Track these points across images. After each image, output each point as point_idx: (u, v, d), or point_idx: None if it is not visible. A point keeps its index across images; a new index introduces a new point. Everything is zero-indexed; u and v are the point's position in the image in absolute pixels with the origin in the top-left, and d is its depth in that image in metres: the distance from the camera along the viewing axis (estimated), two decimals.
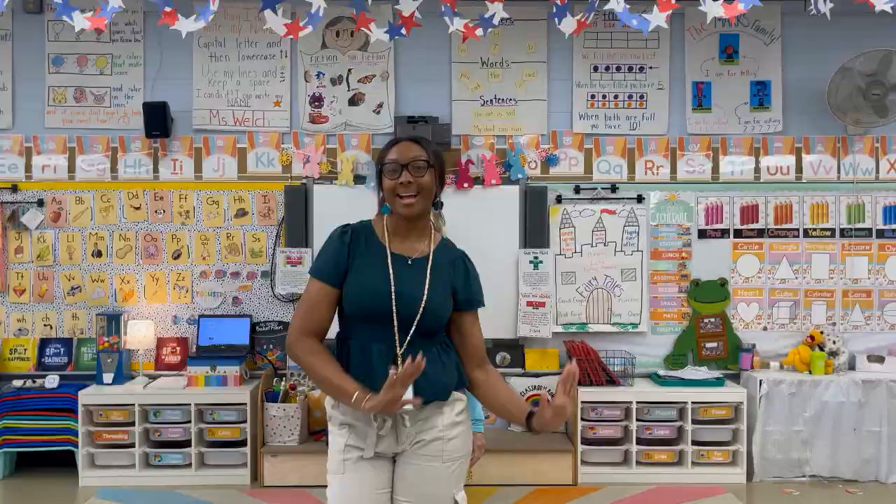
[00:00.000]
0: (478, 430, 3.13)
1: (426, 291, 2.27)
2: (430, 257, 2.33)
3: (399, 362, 2.19)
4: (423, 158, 2.26)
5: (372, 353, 2.26)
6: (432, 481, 2.29)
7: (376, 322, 2.25)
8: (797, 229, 5.41)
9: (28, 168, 5.39)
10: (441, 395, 2.29)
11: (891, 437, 4.96)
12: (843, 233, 5.41)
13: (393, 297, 2.24)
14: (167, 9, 3.19)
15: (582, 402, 4.96)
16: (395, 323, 2.24)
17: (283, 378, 5.12)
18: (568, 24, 3.33)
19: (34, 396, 5.02)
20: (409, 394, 2.12)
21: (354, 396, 2.14)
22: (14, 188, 5.35)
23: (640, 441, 4.98)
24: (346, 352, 2.32)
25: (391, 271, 2.27)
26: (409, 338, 2.25)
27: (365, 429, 2.27)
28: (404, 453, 2.30)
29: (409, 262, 2.31)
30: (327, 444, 4.83)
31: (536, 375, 5.29)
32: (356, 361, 2.28)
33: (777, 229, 5.40)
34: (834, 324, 5.38)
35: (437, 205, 2.38)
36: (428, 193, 2.29)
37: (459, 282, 2.36)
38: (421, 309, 2.25)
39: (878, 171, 5.42)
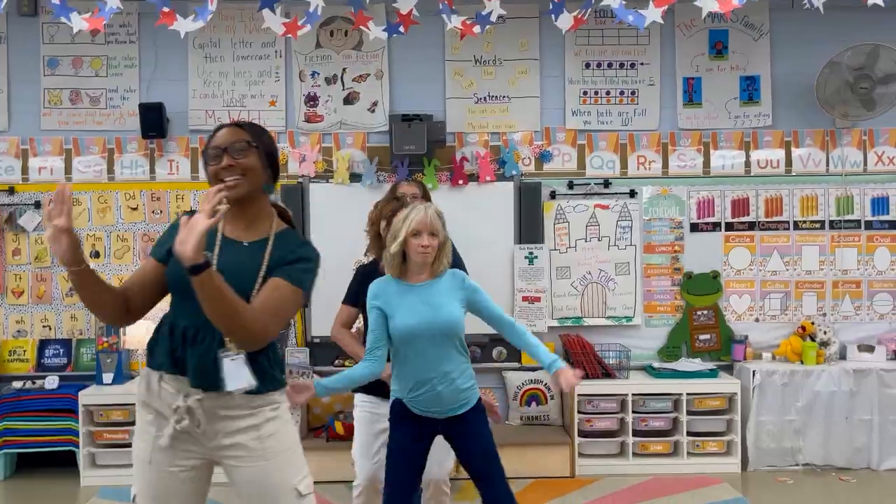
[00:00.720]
0: (559, 367, 2.91)
1: (245, 271, 2.14)
2: (261, 240, 2.21)
3: (229, 342, 2.08)
4: (244, 140, 2.17)
5: (176, 329, 2.15)
6: (263, 479, 2.16)
7: (187, 297, 2.06)
8: (787, 222, 5.41)
9: (24, 170, 5.33)
10: (256, 390, 2.13)
11: (882, 425, 4.98)
12: (833, 225, 5.42)
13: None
14: (165, 9, 3.16)
15: (578, 394, 4.95)
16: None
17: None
18: (564, 21, 3.31)
19: (34, 398, 4.98)
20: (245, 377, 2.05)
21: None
22: (11, 191, 5.29)
23: (635, 433, 4.99)
24: (159, 327, 2.21)
25: (216, 253, 2.16)
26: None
27: (164, 417, 2.15)
28: (222, 452, 2.17)
29: (246, 245, 2.20)
30: (326, 440, 4.85)
31: (533, 370, 5.27)
32: (162, 338, 2.17)
33: (768, 222, 5.40)
34: (824, 314, 5.38)
35: (267, 189, 2.25)
36: (253, 176, 2.17)
37: (284, 262, 2.19)
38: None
39: (865, 164, 5.43)
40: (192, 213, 2.06)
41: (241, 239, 2.22)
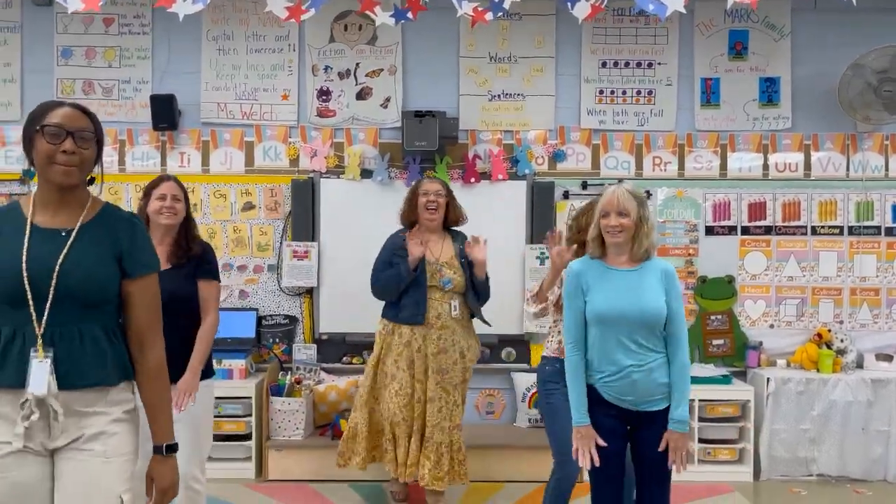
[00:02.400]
0: (678, 430, 2.75)
1: (61, 261, 1.94)
2: (79, 227, 2.00)
3: (39, 343, 1.90)
4: (90, 130, 1.99)
5: (3, 334, 1.93)
6: (94, 478, 1.97)
7: (11, 303, 1.92)
8: (805, 227, 5.17)
9: None
10: (102, 381, 1.98)
11: None
12: (852, 230, 5.17)
13: (25, 270, 1.91)
14: None
15: None
16: (31, 300, 1.91)
17: (289, 372, 4.90)
18: (581, 9, 3.10)
19: None
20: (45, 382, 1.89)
21: None
22: (23, 180, 5.13)
23: None
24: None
25: (25, 244, 1.94)
26: (45, 317, 1.92)
27: (11, 418, 1.93)
28: (62, 449, 1.97)
29: (63, 234, 1.98)
30: (332, 438, 4.67)
31: None
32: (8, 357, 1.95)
33: (785, 226, 5.16)
34: (841, 322, 5.14)
35: (91, 181, 2.07)
36: (88, 166, 2.01)
37: (124, 248, 2.03)
38: (54, 281, 1.92)
39: (887, 169, 5.18)
40: None
41: (53, 226, 1.99)
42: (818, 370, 4.87)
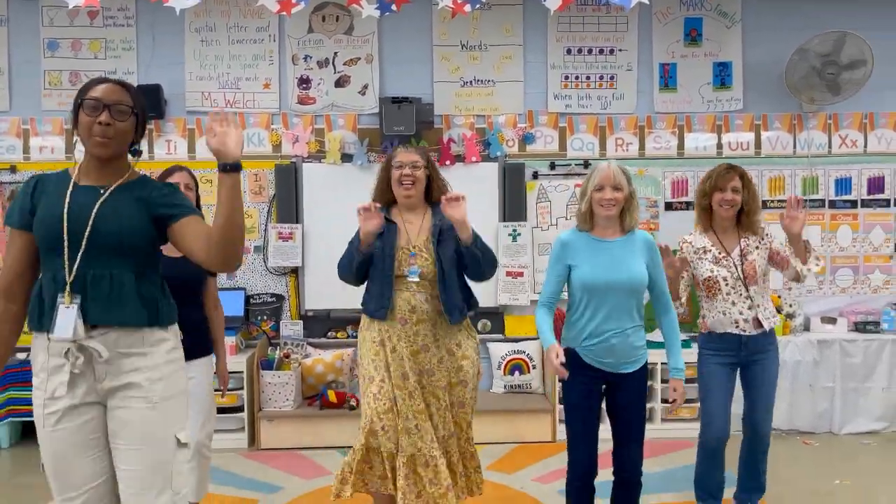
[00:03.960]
0: (677, 378, 2.96)
1: (96, 210, 2.01)
2: (115, 186, 2.07)
3: (68, 290, 1.97)
4: (127, 104, 2.04)
5: (44, 284, 2.04)
6: (145, 424, 2.03)
7: (52, 250, 2.01)
8: None
9: (26, 150, 5.14)
10: (132, 320, 2.02)
11: (843, 392, 4.95)
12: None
13: (65, 220, 1.99)
14: None
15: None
16: (66, 247, 1.99)
17: (278, 347, 4.97)
18: (553, 1, 3.17)
19: None
20: (72, 326, 1.96)
21: None
22: (13, 169, 5.11)
23: None
24: (34, 293, 2.07)
25: (67, 199, 2.02)
26: (77, 263, 1.98)
27: (59, 370, 2.01)
28: (113, 398, 2.04)
29: (101, 192, 2.05)
30: (320, 408, 4.75)
31: (516, 340, 5.19)
32: (34, 300, 2.05)
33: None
34: (790, 288, 5.32)
35: (135, 152, 2.14)
36: (123, 139, 2.06)
37: (156, 201, 2.08)
38: (88, 228, 1.99)
39: (830, 146, 5.36)
40: (34, 177, 2.12)
41: (92, 184, 2.08)
42: None
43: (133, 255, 2.05)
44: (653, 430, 4.81)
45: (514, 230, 5.16)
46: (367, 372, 3.11)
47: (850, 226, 5.34)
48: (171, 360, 2.10)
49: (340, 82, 5.22)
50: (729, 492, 3.50)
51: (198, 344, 3.12)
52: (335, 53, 5.20)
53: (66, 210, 2.00)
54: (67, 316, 1.97)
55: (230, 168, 1.93)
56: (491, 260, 3.09)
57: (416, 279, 3.04)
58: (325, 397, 4.78)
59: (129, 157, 2.13)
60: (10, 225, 2.09)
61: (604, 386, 2.92)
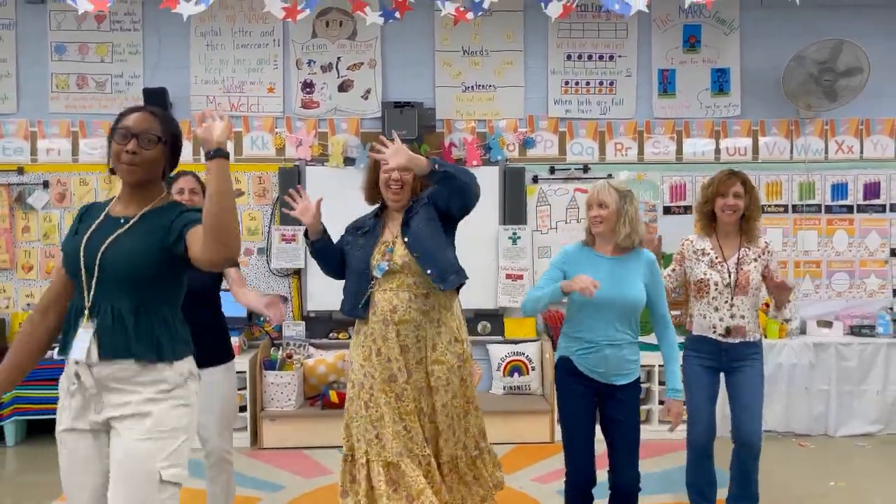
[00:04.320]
0: (674, 398, 2.97)
1: (107, 243, 2.04)
2: (139, 215, 2.10)
3: (86, 314, 2.02)
4: (155, 133, 2.07)
5: (70, 312, 2.09)
6: (131, 456, 2.01)
7: (75, 277, 2.07)
8: None
9: (33, 151, 5.17)
10: (121, 354, 2.01)
11: (838, 394, 4.96)
12: (795, 209, 5.37)
13: (82, 250, 2.05)
14: None
15: None
16: (83, 276, 2.04)
17: (280, 348, 4.99)
18: (554, 8, 3.20)
19: (42, 368, 4.83)
20: (83, 349, 2.01)
21: None
22: (20, 170, 5.13)
23: None
24: (66, 318, 2.12)
25: (92, 229, 2.08)
26: (92, 291, 2.03)
27: (67, 392, 2.09)
28: (112, 425, 2.06)
29: (122, 222, 2.08)
30: (322, 408, 4.77)
31: (515, 342, 5.21)
32: (64, 325, 2.11)
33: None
34: None
35: (167, 179, 2.18)
36: (150, 167, 2.07)
37: (172, 228, 2.06)
38: (98, 259, 2.02)
39: (827, 152, 5.38)
40: (87, 204, 2.18)
41: (119, 214, 2.12)
42: (766, 336, 5.06)
43: (137, 288, 2.04)
44: (650, 432, 4.87)
45: (514, 233, 5.18)
46: (355, 376, 2.96)
47: (846, 230, 5.36)
48: (165, 399, 2.06)
49: (344, 87, 5.24)
50: (722, 492, 3.51)
51: (213, 351, 3.09)
52: (338, 58, 5.23)
53: (84, 241, 2.06)
54: (83, 339, 2.02)
55: (214, 154, 1.95)
56: (464, 171, 2.80)
57: (380, 274, 2.87)
58: (326, 397, 4.79)
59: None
60: (61, 248, 2.19)
61: (596, 397, 2.93)
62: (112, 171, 2.12)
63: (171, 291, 2.13)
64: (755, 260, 3.33)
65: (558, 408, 2.98)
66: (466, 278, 2.98)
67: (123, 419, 2.03)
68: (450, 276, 2.86)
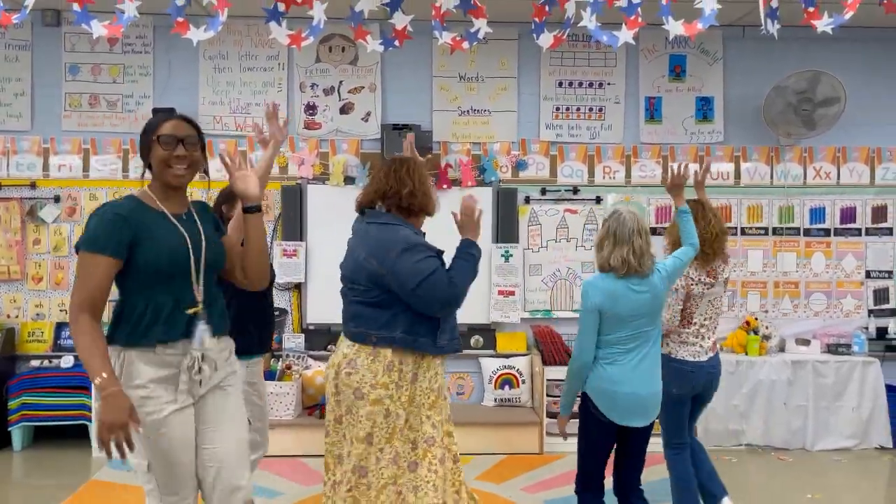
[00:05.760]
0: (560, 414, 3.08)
1: (206, 239, 2.23)
2: (191, 211, 2.27)
3: (202, 308, 2.19)
4: (195, 135, 2.23)
5: (163, 308, 2.13)
6: (235, 407, 2.31)
7: (171, 276, 2.15)
8: (735, 228, 5.40)
9: (45, 167, 5.20)
10: (224, 329, 2.31)
11: (816, 410, 4.99)
12: (775, 231, 5.42)
13: (191, 248, 2.18)
14: (179, 19, 3.06)
15: (547, 379, 4.90)
16: (192, 271, 2.17)
17: (280, 359, 5.00)
18: (545, 39, 3.26)
19: (50, 375, 4.85)
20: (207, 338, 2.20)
21: (101, 378, 1.98)
22: (33, 185, 5.16)
23: None
24: (133, 313, 2.13)
25: (181, 229, 2.19)
26: (201, 283, 2.20)
27: (173, 380, 2.15)
28: (209, 392, 2.25)
29: (184, 218, 2.23)
30: (319, 417, 4.77)
31: (506, 356, 5.23)
32: (148, 321, 2.11)
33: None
34: (766, 311, 5.39)
35: (206, 174, 2.35)
36: (196, 167, 2.23)
37: (211, 222, 2.33)
38: (203, 254, 2.21)
39: (805, 178, 5.44)
40: (118, 209, 2.12)
41: (180, 212, 2.24)
42: (746, 353, 5.10)
43: (216, 274, 2.32)
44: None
45: (507, 251, 5.22)
46: (428, 433, 2.59)
47: (823, 253, 5.42)
48: (235, 360, 2.37)
49: (345, 109, 5.29)
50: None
51: (263, 338, 3.31)
52: (340, 82, 5.28)
53: (188, 240, 2.18)
54: (203, 329, 2.18)
55: (256, 209, 2.21)
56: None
57: None
58: (324, 408, 4.79)
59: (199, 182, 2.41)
60: (101, 251, 2.07)
61: None
62: (142, 175, 2.25)
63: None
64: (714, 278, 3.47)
65: None
66: None
67: (225, 379, 2.28)
68: None
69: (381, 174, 2.69)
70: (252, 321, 3.23)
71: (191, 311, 2.16)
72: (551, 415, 4.94)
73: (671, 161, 5.39)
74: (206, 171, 2.33)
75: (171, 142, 2.14)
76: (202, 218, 2.27)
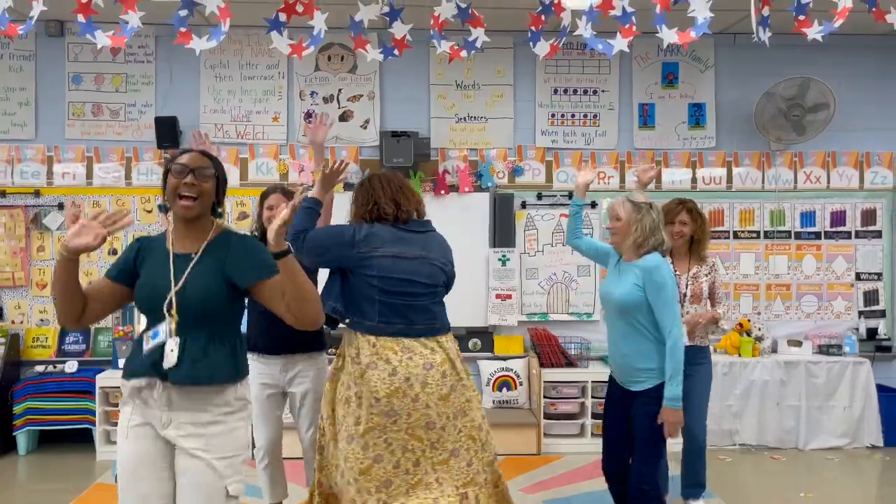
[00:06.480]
0: (666, 406, 2.79)
1: (182, 282, 2.11)
2: (201, 250, 2.16)
3: (175, 337, 2.08)
4: (209, 168, 2.15)
5: (144, 341, 2.14)
6: (200, 475, 2.09)
7: (152, 312, 2.13)
8: (728, 231, 5.42)
9: (49, 175, 5.19)
10: (197, 380, 2.08)
11: (808, 410, 4.99)
12: (767, 235, 5.43)
13: (173, 289, 2.09)
14: (182, 29, 3.06)
15: (544, 381, 4.90)
16: (166, 313, 2.10)
17: None
18: (542, 48, 3.26)
19: (55, 380, 4.83)
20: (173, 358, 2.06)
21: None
22: (37, 193, 5.15)
23: (594, 415, 4.92)
24: (136, 343, 2.20)
25: (171, 269, 2.12)
26: (173, 326, 2.08)
27: (138, 392, 2.15)
28: (177, 444, 2.11)
29: (192, 257, 2.14)
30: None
31: (504, 358, 5.23)
32: (136, 350, 2.17)
33: (711, 231, 5.33)
34: (759, 313, 5.39)
35: (216, 214, 2.22)
36: (206, 199, 2.15)
37: (232, 265, 2.14)
38: (172, 298, 2.09)
39: (796, 182, 5.45)
40: (139, 239, 2.22)
41: (187, 251, 2.16)
42: (740, 354, 5.10)
43: (210, 321, 2.12)
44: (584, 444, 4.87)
45: (504, 255, 5.22)
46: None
47: (814, 256, 5.43)
48: (229, 420, 2.14)
49: (344, 117, 5.29)
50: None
51: (299, 340, 3.09)
52: (339, 90, 5.29)
53: (172, 280, 2.11)
54: (168, 343, 2.08)
55: (278, 255, 2.02)
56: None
57: None
58: None
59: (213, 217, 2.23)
60: (108, 276, 2.20)
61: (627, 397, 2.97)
62: (165, 210, 2.18)
63: (236, 318, 2.22)
64: (707, 276, 3.61)
65: None
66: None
67: (190, 438, 2.09)
68: None
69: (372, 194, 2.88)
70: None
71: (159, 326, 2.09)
72: (548, 416, 4.94)
73: (664, 166, 5.41)
74: (219, 214, 2.22)
75: (182, 171, 2.11)
76: (212, 252, 2.15)
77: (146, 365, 2.10)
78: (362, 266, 2.70)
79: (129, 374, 2.16)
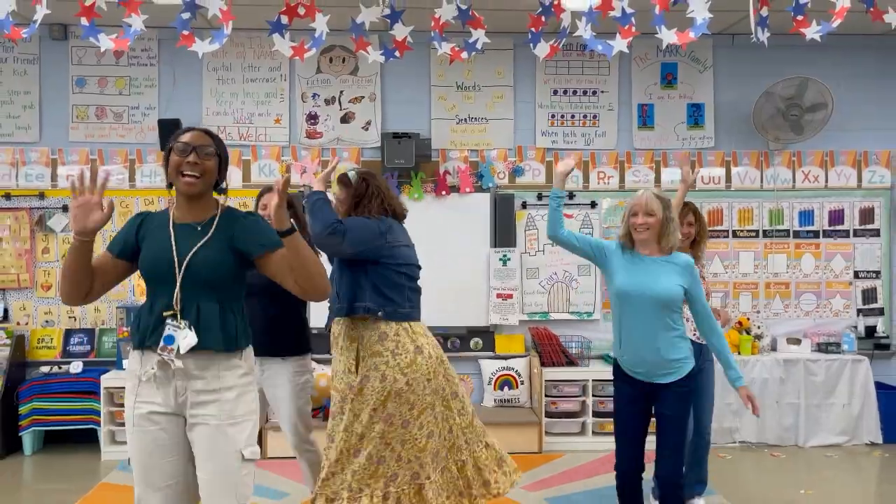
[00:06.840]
0: (741, 385, 2.95)
1: (194, 251, 2.14)
2: (213, 219, 2.19)
3: (179, 315, 2.11)
4: (211, 146, 2.17)
5: (155, 309, 2.15)
6: (214, 440, 2.13)
7: (157, 282, 2.16)
8: (727, 230, 5.41)
9: (53, 177, 5.19)
10: (211, 345, 2.11)
11: (807, 408, 4.99)
12: (766, 234, 5.42)
13: (175, 256, 2.13)
14: (185, 32, 3.06)
15: (546, 380, 4.90)
16: (177, 280, 2.12)
17: None
18: (542, 49, 3.26)
19: (60, 381, 4.83)
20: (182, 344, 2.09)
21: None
22: (41, 195, 5.15)
23: (595, 414, 4.94)
24: (139, 313, 2.20)
25: (172, 238, 2.15)
26: (178, 291, 2.12)
27: (149, 379, 2.16)
28: (191, 413, 2.14)
29: (198, 228, 2.17)
30: (324, 419, 4.76)
31: (505, 358, 5.23)
32: (144, 319, 2.17)
33: (710, 231, 5.35)
34: (758, 311, 5.39)
35: (221, 190, 2.25)
36: (209, 177, 2.17)
37: (239, 237, 2.18)
38: (185, 265, 2.12)
39: (794, 181, 5.44)
40: (141, 213, 2.27)
41: (190, 221, 2.19)
42: (739, 352, 5.10)
43: (218, 289, 2.16)
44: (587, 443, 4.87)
45: (504, 255, 5.22)
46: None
47: (812, 254, 5.42)
48: (241, 384, 2.18)
49: (346, 118, 5.29)
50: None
51: (274, 342, 3.18)
52: (341, 92, 5.28)
53: (174, 249, 2.13)
54: (179, 335, 2.10)
55: (284, 234, 2.08)
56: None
57: None
58: (328, 410, 4.78)
59: (216, 194, 2.26)
60: (110, 251, 2.24)
61: (646, 395, 2.91)
62: (170, 185, 2.20)
63: (241, 290, 2.25)
64: (703, 278, 3.55)
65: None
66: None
67: (204, 405, 2.13)
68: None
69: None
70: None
71: (166, 313, 2.12)
72: (549, 414, 4.94)
73: (664, 166, 5.40)
74: (222, 189, 2.24)
75: (184, 149, 2.13)
76: (221, 227, 2.18)
77: (154, 338, 2.12)
78: (391, 255, 2.91)
79: (139, 344, 2.17)
